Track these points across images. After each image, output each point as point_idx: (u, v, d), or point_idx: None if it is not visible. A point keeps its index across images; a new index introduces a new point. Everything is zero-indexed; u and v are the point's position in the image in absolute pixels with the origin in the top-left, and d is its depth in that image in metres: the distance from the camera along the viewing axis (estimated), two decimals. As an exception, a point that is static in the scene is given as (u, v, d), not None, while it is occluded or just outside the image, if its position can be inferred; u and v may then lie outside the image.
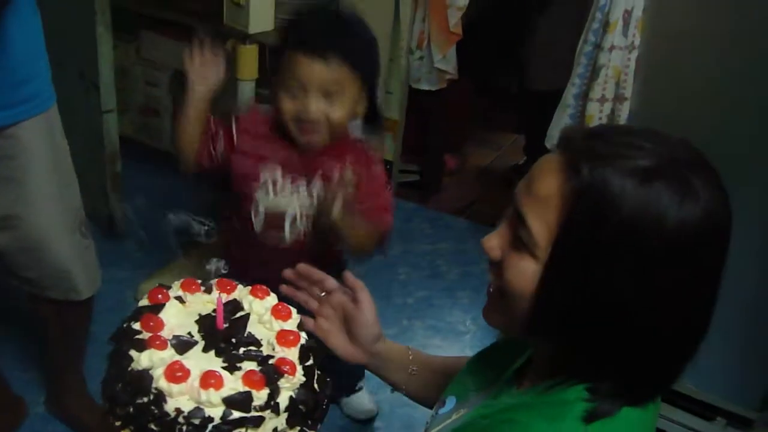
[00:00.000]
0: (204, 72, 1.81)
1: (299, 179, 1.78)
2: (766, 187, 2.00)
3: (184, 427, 0.87)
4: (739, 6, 1.91)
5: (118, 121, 2.80)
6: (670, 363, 0.91)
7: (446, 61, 3.03)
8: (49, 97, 1.82)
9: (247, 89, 2.42)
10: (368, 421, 2.37)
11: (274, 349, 0.98)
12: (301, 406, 0.93)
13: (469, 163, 3.92)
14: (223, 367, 0.93)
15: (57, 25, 2.62)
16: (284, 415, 0.91)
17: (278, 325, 1.02)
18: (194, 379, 0.89)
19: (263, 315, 1.04)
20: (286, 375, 0.93)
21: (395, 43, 2.92)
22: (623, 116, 2.14)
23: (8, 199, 1.77)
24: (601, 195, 0.83)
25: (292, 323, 1.04)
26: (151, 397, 0.89)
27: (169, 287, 1.07)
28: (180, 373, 0.89)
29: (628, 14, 2.04)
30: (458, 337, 2.70)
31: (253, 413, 0.89)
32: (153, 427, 0.88)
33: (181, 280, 1.08)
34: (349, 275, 1.27)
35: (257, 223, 1.82)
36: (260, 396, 0.90)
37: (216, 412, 0.88)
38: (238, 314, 1.04)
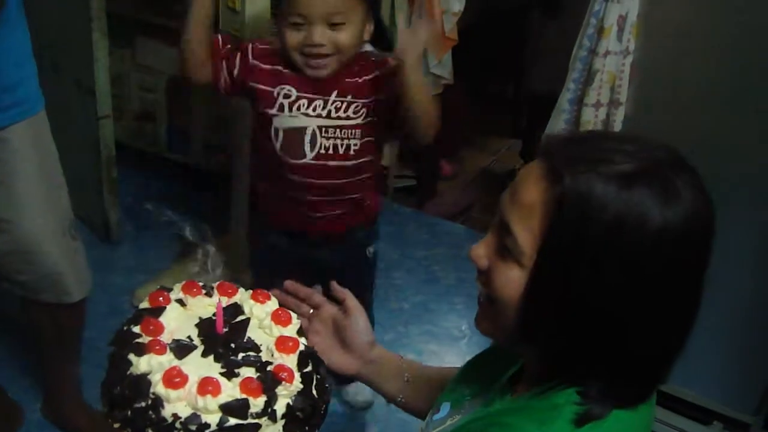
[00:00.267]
0: None
1: (316, 96, 1.79)
2: (761, 191, 2.01)
3: (181, 433, 0.87)
4: (734, 11, 1.92)
5: (113, 127, 2.80)
6: (658, 363, 0.92)
7: (442, 66, 3.03)
8: (37, 101, 1.82)
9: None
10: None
11: (273, 355, 0.98)
12: (298, 413, 0.93)
13: (465, 168, 3.92)
14: (221, 373, 0.93)
15: (53, 31, 2.63)
16: (281, 422, 0.91)
17: (278, 330, 1.02)
18: (192, 385, 0.89)
19: (264, 320, 1.04)
20: (283, 382, 0.93)
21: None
22: (618, 121, 2.15)
23: None
24: (584, 201, 0.83)
25: (291, 329, 1.04)
26: (149, 401, 0.89)
27: (171, 290, 1.06)
28: (178, 379, 0.90)
29: (622, 19, 2.04)
30: (454, 342, 2.70)
31: (250, 420, 0.89)
32: (151, 431, 0.88)
33: (183, 283, 1.08)
34: (335, 286, 1.27)
35: (277, 141, 1.82)
36: (257, 403, 0.90)
37: (213, 419, 0.88)
38: (239, 318, 1.04)
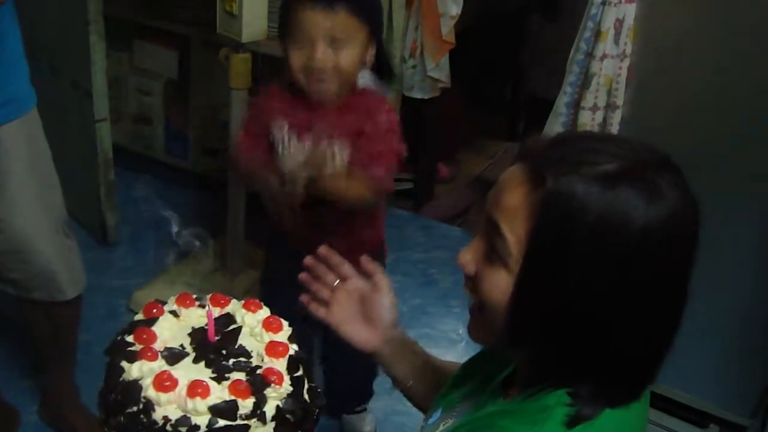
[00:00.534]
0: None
1: (307, 136, 1.77)
2: (759, 192, 2.01)
3: (172, 435, 0.88)
4: (731, 13, 1.93)
5: (111, 130, 2.80)
6: (647, 363, 0.92)
7: (439, 69, 3.04)
8: (29, 100, 1.83)
9: (240, 98, 2.42)
10: None
11: (263, 360, 0.98)
12: (288, 416, 0.94)
13: (463, 171, 3.92)
14: (212, 378, 0.94)
15: (50, 34, 2.64)
16: (271, 425, 0.92)
17: (269, 337, 1.03)
18: (182, 389, 0.91)
19: (255, 327, 1.05)
20: (272, 384, 0.93)
21: (389, 51, 2.92)
22: (615, 124, 2.15)
23: None
24: (567, 203, 0.83)
25: (282, 335, 1.04)
26: (141, 406, 0.90)
27: (165, 302, 1.08)
28: (168, 383, 0.91)
29: (619, 23, 2.05)
30: (452, 345, 2.70)
31: (239, 422, 0.90)
32: None
33: (177, 295, 1.10)
34: (365, 260, 1.27)
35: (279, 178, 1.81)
36: (246, 405, 0.91)
37: (202, 421, 0.89)
38: (231, 327, 1.05)
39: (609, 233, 0.82)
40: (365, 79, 1.86)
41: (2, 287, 1.94)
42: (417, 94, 3.09)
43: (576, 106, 2.22)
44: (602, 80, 2.13)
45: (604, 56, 2.10)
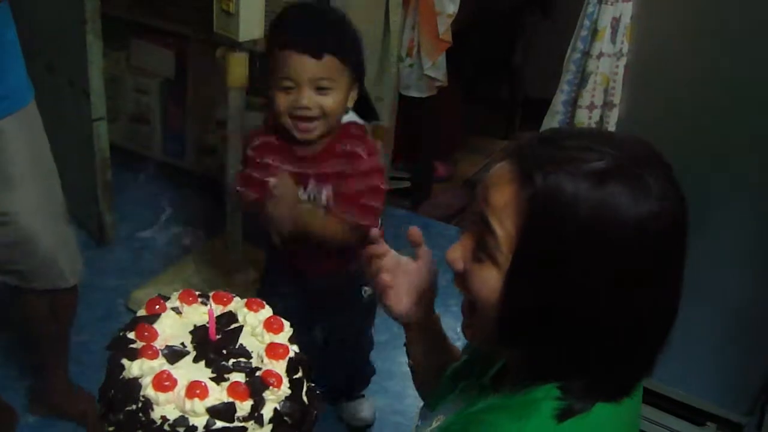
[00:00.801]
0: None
1: (298, 183, 1.82)
2: (756, 191, 2.02)
3: (170, 435, 0.89)
4: (727, 12, 1.93)
5: (108, 129, 2.80)
6: (639, 358, 0.92)
7: (436, 68, 3.04)
8: (27, 91, 1.85)
9: (237, 97, 2.42)
10: (362, 429, 2.37)
11: (263, 362, 0.99)
12: (286, 418, 0.94)
13: (460, 170, 3.92)
14: (211, 378, 0.94)
15: (47, 33, 2.63)
16: (269, 427, 0.93)
17: (269, 337, 1.03)
18: (180, 389, 0.91)
19: (256, 327, 1.05)
20: (271, 387, 0.94)
21: (385, 50, 2.92)
22: (612, 123, 2.15)
23: None
24: (556, 201, 0.84)
25: (283, 336, 1.05)
26: (140, 404, 0.91)
27: (167, 298, 1.09)
28: (167, 383, 0.92)
29: (616, 21, 2.05)
30: (449, 343, 2.70)
31: (237, 423, 0.90)
32: None
33: (179, 291, 1.10)
34: (413, 230, 1.27)
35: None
36: (244, 407, 0.91)
37: (200, 422, 0.90)
38: (232, 326, 1.05)
39: (598, 230, 0.83)
40: (348, 114, 1.90)
41: (3, 279, 1.96)
42: (414, 93, 3.09)
43: (573, 104, 2.22)
44: (599, 78, 2.13)
45: (600, 55, 2.10)
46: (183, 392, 0.90)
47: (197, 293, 1.10)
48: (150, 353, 0.96)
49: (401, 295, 1.22)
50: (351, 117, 1.91)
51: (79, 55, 2.61)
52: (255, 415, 0.92)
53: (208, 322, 1.04)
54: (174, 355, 0.98)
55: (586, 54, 2.14)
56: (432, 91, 3.12)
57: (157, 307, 1.06)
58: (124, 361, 0.96)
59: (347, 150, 1.83)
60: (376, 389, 2.40)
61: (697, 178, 1.94)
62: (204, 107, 3.18)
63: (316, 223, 1.81)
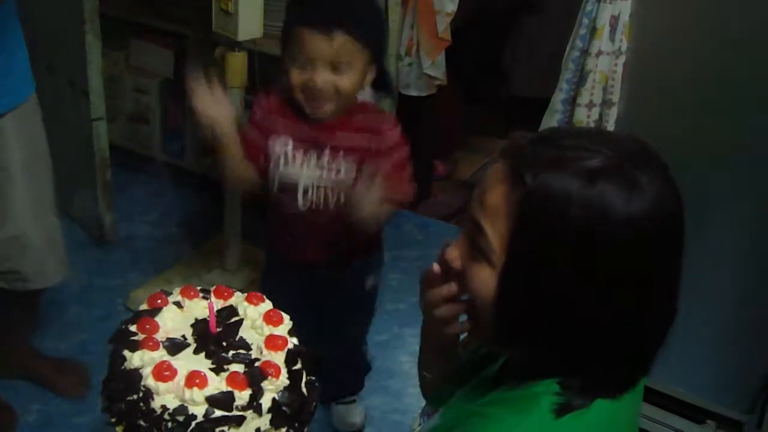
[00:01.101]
0: (217, 111, 1.78)
1: (310, 151, 1.82)
2: (754, 189, 2.02)
3: (169, 424, 0.90)
4: (727, 10, 1.93)
5: (107, 129, 2.80)
6: (638, 355, 0.92)
7: (435, 67, 3.04)
8: (28, 86, 1.86)
9: (236, 97, 2.42)
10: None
11: (262, 353, 0.99)
12: (284, 408, 0.94)
13: (459, 169, 3.92)
14: (211, 369, 0.95)
15: (47, 33, 2.63)
16: (267, 416, 0.93)
17: (269, 330, 1.03)
18: (180, 379, 0.92)
19: (256, 320, 1.05)
20: (269, 377, 0.94)
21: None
22: (611, 121, 2.15)
23: None
24: (547, 201, 0.84)
25: (282, 329, 1.05)
26: (140, 394, 0.92)
27: (170, 293, 1.10)
28: (167, 373, 0.93)
29: (615, 20, 2.05)
30: (449, 342, 2.70)
31: (235, 412, 0.91)
32: (141, 423, 0.91)
33: (181, 287, 1.11)
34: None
35: (274, 191, 1.87)
36: (242, 396, 0.92)
37: (199, 410, 0.91)
38: (233, 319, 1.05)
39: (590, 230, 0.83)
40: (363, 92, 1.88)
41: None
42: (413, 92, 3.09)
43: (572, 103, 2.22)
44: (598, 77, 2.13)
45: (599, 53, 2.10)
46: (183, 382, 0.92)
47: (198, 288, 1.10)
48: (151, 344, 0.97)
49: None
50: (364, 94, 1.89)
51: (79, 55, 2.61)
52: (254, 404, 0.92)
53: (208, 316, 1.04)
54: (175, 346, 0.99)
55: (585, 52, 2.14)
56: (431, 90, 3.12)
57: (159, 301, 1.07)
58: (126, 353, 0.97)
59: (369, 125, 1.82)
60: (376, 388, 2.40)
61: (697, 177, 1.94)
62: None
63: (372, 210, 1.72)
